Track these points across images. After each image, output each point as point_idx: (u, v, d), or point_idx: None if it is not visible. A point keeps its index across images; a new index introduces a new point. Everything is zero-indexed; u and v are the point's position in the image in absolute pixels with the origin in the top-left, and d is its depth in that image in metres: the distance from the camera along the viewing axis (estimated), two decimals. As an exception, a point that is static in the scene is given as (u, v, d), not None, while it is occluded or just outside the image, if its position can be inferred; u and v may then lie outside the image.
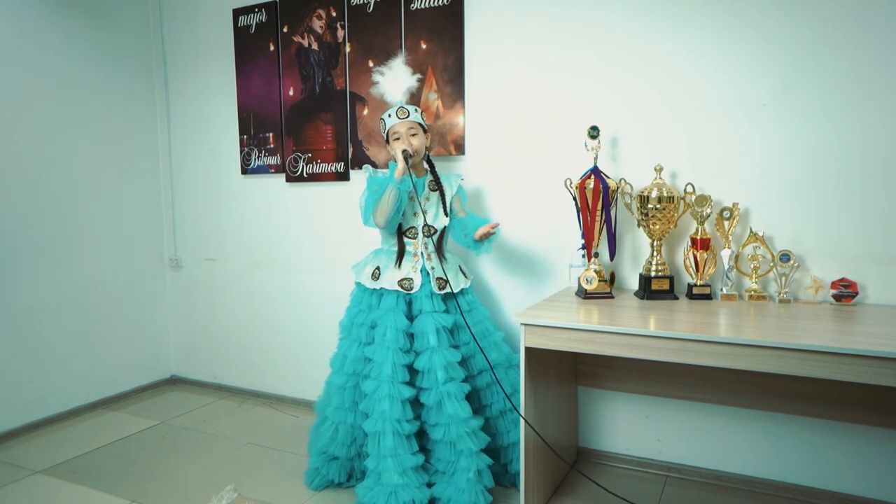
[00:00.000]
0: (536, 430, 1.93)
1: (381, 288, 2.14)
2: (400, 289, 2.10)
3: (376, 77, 2.27)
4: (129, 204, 3.24)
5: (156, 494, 2.20)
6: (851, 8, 1.91)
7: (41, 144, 2.83)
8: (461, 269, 2.24)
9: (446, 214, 2.19)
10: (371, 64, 2.71)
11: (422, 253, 2.17)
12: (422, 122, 2.18)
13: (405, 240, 2.17)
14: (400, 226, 2.16)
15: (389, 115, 2.17)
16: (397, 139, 2.14)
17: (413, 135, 2.14)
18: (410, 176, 2.07)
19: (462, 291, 2.19)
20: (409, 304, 2.13)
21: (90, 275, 3.06)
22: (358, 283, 2.23)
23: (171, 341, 3.50)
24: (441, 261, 2.18)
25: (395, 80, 2.23)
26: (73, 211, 2.97)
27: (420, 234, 2.17)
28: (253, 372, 3.24)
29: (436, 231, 2.18)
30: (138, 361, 3.32)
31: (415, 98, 2.62)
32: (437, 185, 2.21)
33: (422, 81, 2.34)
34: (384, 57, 2.67)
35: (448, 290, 2.13)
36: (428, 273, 2.14)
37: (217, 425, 2.86)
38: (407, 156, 2.06)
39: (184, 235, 3.41)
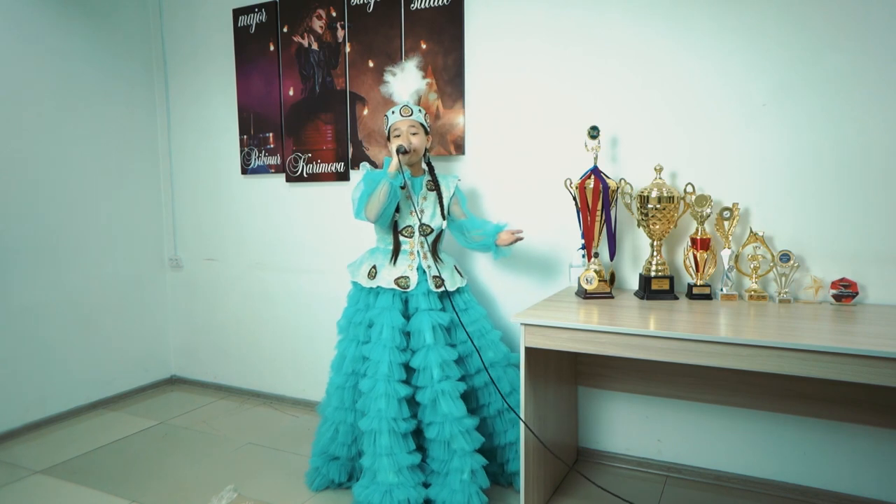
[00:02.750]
0: (535, 431, 1.93)
1: (378, 286, 2.14)
2: (396, 287, 2.11)
3: (387, 77, 2.29)
4: (129, 204, 3.24)
5: (156, 494, 2.20)
6: (851, 8, 1.91)
7: (41, 145, 2.84)
8: (456, 269, 2.24)
9: (443, 216, 2.20)
10: (371, 64, 2.71)
11: (418, 251, 2.17)
12: (424, 123, 2.19)
13: (401, 238, 2.17)
14: (396, 224, 2.17)
15: (393, 112, 2.17)
16: (398, 136, 2.14)
17: (414, 133, 2.14)
18: (402, 172, 2.07)
19: (458, 290, 2.19)
20: (406, 302, 2.13)
21: (90, 275, 3.06)
22: (354, 283, 2.23)
23: (171, 341, 3.50)
24: (437, 260, 2.19)
25: (405, 81, 2.24)
26: (73, 211, 2.97)
27: (416, 233, 2.17)
28: (253, 372, 3.24)
29: (432, 231, 2.19)
30: (138, 361, 3.32)
31: (420, 100, 2.62)
32: (435, 186, 2.21)
33: (428, 84, 2.35)
34: (385, 57, 2.68)
35: (444, 288, 2.14)
36: (424, 271, 2.14)
37: (217, 425, 2.86)
38: (402, 151, 2.06)
39: (184, 235, 3.41)
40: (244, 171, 3.14)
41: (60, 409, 2.94)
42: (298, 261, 3.04)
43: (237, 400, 3.20)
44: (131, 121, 3.24)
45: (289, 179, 2.99)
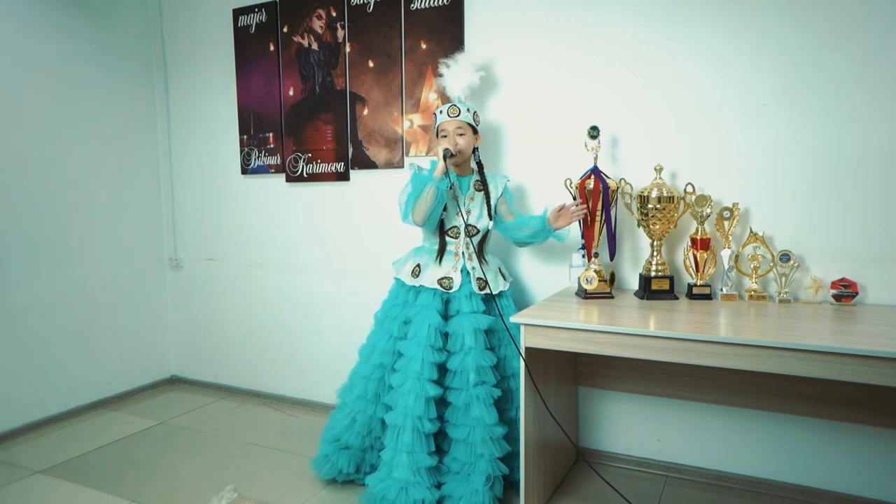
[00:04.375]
0: (534, 432, 1.93)
1: (421, 285, 2.13)
2: (439, 287, 2.10)
3: (441, 69, 2.28)
4: (129, 204, 3.24)
5: (156, 494, 2.20)
6: (851, 8, 1.91)
7: (41, 144, 2.83)
8: (501, 271, 2.23)
9: (490, 216, 2.18)
10: (371, 64, 2.71)
11: (463, 252, 2.16)
12: (472, 123, 2.16)
13: (447, 238, 2.17)
14: (442, 223, 2.16)
15: (441, 112, 2.17)
16: (445, 136, 2.14)
17: (461, 134, 2.13)
18: (449, 175, 2.06)
19: (500, 294, 2.18)
20: (447, 303, 2.13)
21: (90, 275, 3.06)
22: (397, 279, 2.24)
23: (171, 341, 3.50)
24: (481, 262, 2.17)
25: (458, 75, 2.23)
26: (72, 211, 2.97)
27: (462, 234, 2.16)
28: (253, 372, 3.24)
29: (478, 231, 2.18)
30: (138, 361, 3.32)
31: (416, 98, 2.62)
32: (483, 186, 2.20)
33: (483, 79, 2.34)
34: (385, 57, 2.68)
35: (487, 291, 2.13)
36: (468, 273, 2.14)
37: (217, 425, 2.86)
38: (447, 154, 2.05)
39: (184, 235, 3.41)
40: (244, 171, 3.14)
41: (60, 409, 2.93)
42: (298, 261, 3.04)
43: (237, 400, 3.20)
44: (131, 121, 3.24)
45: (289, 179, 2.99)
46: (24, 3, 2.75)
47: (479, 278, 2.13)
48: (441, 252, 2.15)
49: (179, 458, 2.50)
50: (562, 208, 2.08)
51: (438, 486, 2.04)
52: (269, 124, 3.02)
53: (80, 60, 2.98)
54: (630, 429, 2.36)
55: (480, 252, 2.19)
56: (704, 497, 2.13)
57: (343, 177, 2.84)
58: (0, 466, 2.45)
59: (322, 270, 2.97)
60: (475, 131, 2.19)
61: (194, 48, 3.23)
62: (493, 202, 2.20)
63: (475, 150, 2.21)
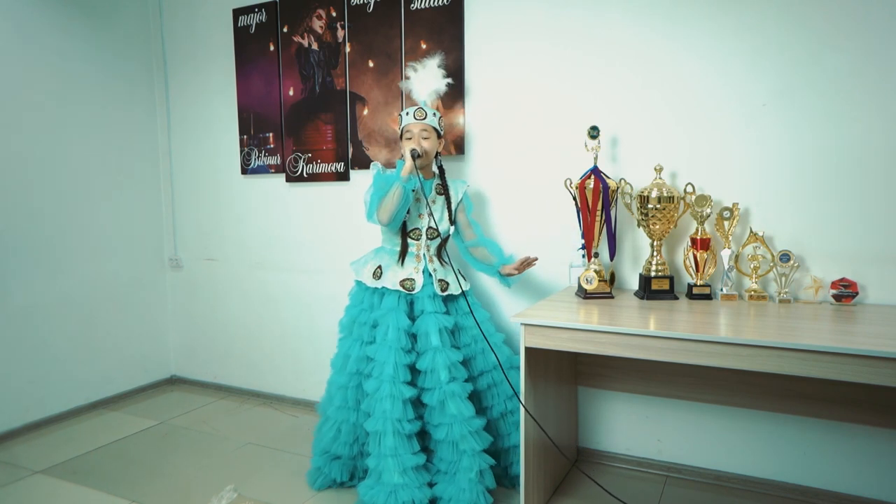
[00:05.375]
0: (535, 429, 1.93)
1: (383, 287, 2.14)
2: (402, 289, 2.11)
3: (409, 72, 2.30)
4: (129, 204, 3.24)
5: (156, 494, 2.20)
6: (851, 8, 1.91)
7: (41, 145, 2.83)
8: (459, 273, 2.24)
9: (451, 221, 2.19)
10: (371, 64, 2.71)
11: (424, 254, 2.17)
12: (437, 127, 2.17)
13: (409, 240, 2.17)
14: (405, 225, 2.16)
15: (407, 113, 2.17)
16: (409, 139, 2.14)
17: (425, 138, 2.14)
18: (417, 175, 2.07)
19: (463, 294, 2.19)
20: (411, 304, 2.13)
21: (90, 275, 3.06)
22: (358, 282, 2.23)
23: (171, 341, 3.50)
24: (442, 264, 2.20)
25: (425, 80, 2.24)
26: (73, 211, 2.97)
27: (424, 236, 2.17)
28: (253, 372, 3.24)
29: (438, 234, 2.19)
30: (138, 361, 3.32)
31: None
32: (444, 190, 2.21)
33: (450, 86, 2.35)
34: (385, 57, 2.68)
35: (449, 291, 2.14)
36: (430, 274, 2.15)
37: (217, 425, 2.86)
38: (415, 155, 2.06)
39: (184, 235, 3.41)
40: (244, 171, 3.14)
41: (60, 409, 2.93)
42: (298, 261, 3.04)
43: (237, 400, 3.20)
44: (131, 121, 3.24)
45: (289, 179, 2.99)
46: (23, 3, 2.75)
47: (440, 279, 2.14)
48: (403, 253, 2.16)
49: (179, 458, 2.50)
50: (521, 263, 2.15)
51: (431, 485, 2.04)
52: (269, 124, 3.02)
53: (80, 60, 2.98)
54: (630, 429, 2.36)
55: (440, 255, 2.21)
56: (704, 497, 2.13)
57: (343, 177, 2.84)
58: (0, 466, 2.45)
59: (322, 270, 2.97)
60: (439, 135, 2.19)
61: (194, 48, 3.23)
62: (454, 206, 2.21)
63: (437, 154, 2.21)
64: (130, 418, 2.95)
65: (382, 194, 2.06)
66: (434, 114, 2.18)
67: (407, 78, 2.30)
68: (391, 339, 2.04)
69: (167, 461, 2.47)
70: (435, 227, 2.18)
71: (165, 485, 2.27)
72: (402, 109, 2.65)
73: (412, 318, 2.12)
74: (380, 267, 2.16)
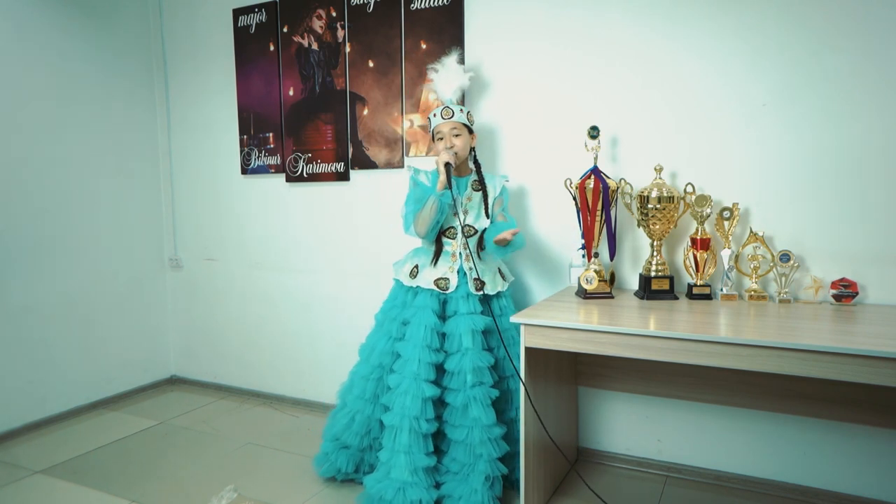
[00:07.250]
0: (535, 429, 1.93)
1: (417, 286, 2.14)
2: (435, 288, 2.11)
3: (430, 74, 2.32)
4: (128, 204, 3.24)
5: (156, 494, 2.20)
6: (851, 8, 1.91)
7: (41, 145, 2.83)
8: (500, 271, 2.22)
9: (488, 216, 2.18)
10: (371, 64, 2.71)
11: (460, 253, 2.16)
12: (466, 123, 2.17)
13: (444, 239, 2.17)
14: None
15: (435, 115, 2.17)
16: (441, 139, 2.15)
17: (456, 135, 2.14)
18: (451, 189, 2.07)
19: (498, 294, 2.18)
20: (444, 303, 2.13)
21: (90, 275, 3.06)
22: (396, 280, 2.24)
23: (171, 341, 3.50)
24: (479, 262, 2.17)
25: (447, 79, 2.25)
26: (72, 211, 2.97)
27: (459, 234, 2.16)
28: (253, 372, 3.24)
29: (475, 232, 2.17)
30: (138, 361, 3.32)
31: (416, 98, 2.62)
32: (481, 186, 2.20)
33: (473, 80, 2.37)
34: (385, 57, 2.68)
35: (485, 291, 2.13)
36: (465, 273, 2.14)
37: (217, 425, 2.86)
38: (449, 169, 2.06)
39: (184, 235, 3.41)
40: (244, 171, 3.13)
41: (60, 409, 2.93)
42: (298, 261, 3.04)
43: (237, 400, 3.20)
44: (131, 121, 3.24)
45: (289, 179, 2.99)
46: (23, 3, 2.75)
47: (476, 279, 2.13)
48: (437, 253, 2.16)
49: (179, 458, 2.50)
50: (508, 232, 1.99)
51: (437, 486, 2.04)
52: (269, 124, 3.02)
53: (80, 60, 2.98)
54: (630, 429, 2.36)
55: (479, 252, 2.19)
56: (704, 497, 2.13)
57: (343, 177, 2.84)
58: (0, 466, 2.45)
59: (322, 270, 2.97)
60: (470, 131, 2.19)
61: (194, 48, 3.23)
62: (490, 202, 2.19)
63: (472, 149, 2.21)
64: (130, 418, 2.95)
65: (418, 209, 2.07)
66: (461, 109, 2.18)
67: (429, 81, 2.31)
68: (419, 336, 2.04)
69: (167, 461, 2.47)
70: (471, 224, 2.17)
71: (165, 485, 2.27)
72: (401, 111, 2.66)
73: (443, 318, 2.11)
74: (416, 266, 2.17)
